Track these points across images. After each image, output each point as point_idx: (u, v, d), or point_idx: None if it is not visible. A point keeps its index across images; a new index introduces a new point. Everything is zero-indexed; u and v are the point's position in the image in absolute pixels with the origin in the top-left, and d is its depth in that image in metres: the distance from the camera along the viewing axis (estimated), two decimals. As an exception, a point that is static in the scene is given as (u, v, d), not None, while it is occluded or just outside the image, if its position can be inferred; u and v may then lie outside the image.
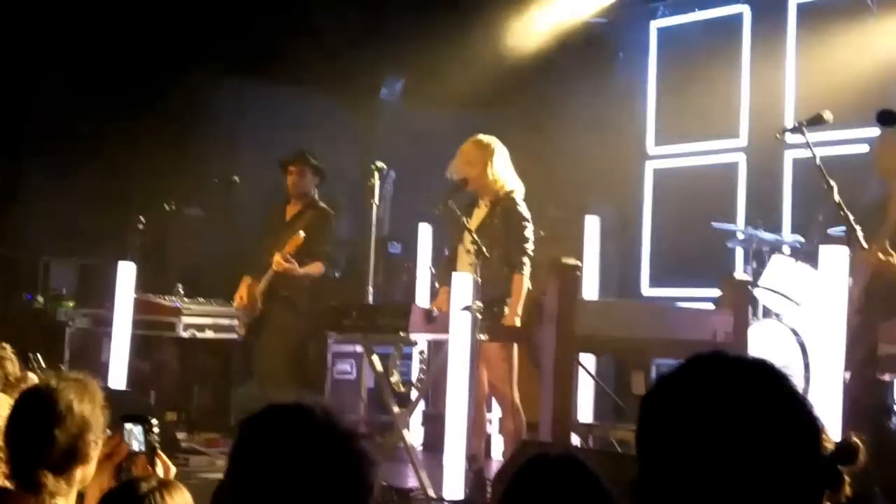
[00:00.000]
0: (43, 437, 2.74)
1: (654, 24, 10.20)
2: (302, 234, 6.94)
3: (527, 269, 6.09)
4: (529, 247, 6.16)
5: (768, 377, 1.56)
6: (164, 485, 2.46)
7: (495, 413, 7.05)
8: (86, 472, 2.81)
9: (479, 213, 6.26)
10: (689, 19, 9.95)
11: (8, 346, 3.72)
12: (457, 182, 6.22)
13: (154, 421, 2.77)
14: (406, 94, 10.90)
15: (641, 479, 1.56)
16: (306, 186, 7.32)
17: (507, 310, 6.06)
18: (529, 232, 6.19)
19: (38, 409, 2.77)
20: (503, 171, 6.25)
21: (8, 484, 2.82)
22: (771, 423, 1.51)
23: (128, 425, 2.75)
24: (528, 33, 9.81)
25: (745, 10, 9.55)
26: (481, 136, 6.32)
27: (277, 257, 6.95)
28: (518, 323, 5.99)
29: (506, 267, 6.08)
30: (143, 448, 2.74)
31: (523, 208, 6.21)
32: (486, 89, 9.96)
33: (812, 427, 1.53)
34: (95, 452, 2.82)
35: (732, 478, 1.48)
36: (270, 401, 1.91)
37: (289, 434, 1.83)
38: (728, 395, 1.52)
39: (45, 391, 2.81)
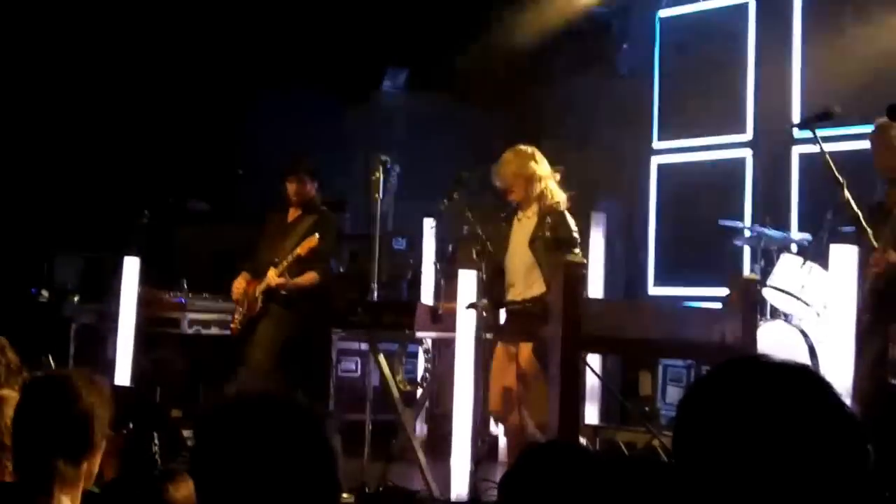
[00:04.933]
0: (53, 421, 2.73)
1: (659, 15, 10.13)
2: (317, 235, 6.90)
3: None
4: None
5: (815, 386, 1.53)
6: (170, 475, 2.44)
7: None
8: (92, 465, 2.81)
9: (526, 225, 6.20)
10: (695, 9, 9.87)
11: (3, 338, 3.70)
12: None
13: (154, 434, 2.76)
14: (409, 86, 10.84)
15: (678, 478, 1.54)
16: (307, 193, 7.29)
17: None
18: (578, 241, 6.20)
19: (47, 397, 2.78)
20: (546, 181, 6.21)
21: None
22: (818, 433, 1.48)
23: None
24: (532, 24, 9.74)
25: (751, 1, 9.47)
26: (521, 146, 6.28)
27: (272, 272, 6.96)
28: None
29: None
30: (143, 460, 2.73)
31: (571, 220, 6.20)
32: (489, 82, 9.91)
33: (860, 440, 1.51)
34: (101, 445, 2.82)
35: (773, 485, 1.46)
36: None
37: (238, 425, 1.82)
38: (773, 401, 1.50)
39: (54, 380, 2.83)
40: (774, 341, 6.69)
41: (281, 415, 1.81)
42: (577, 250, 6.15)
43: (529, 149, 6.26)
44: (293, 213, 7.34)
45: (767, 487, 1.46)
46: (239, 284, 7.25)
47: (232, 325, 7.38)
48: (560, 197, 6.23)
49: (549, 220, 6.15)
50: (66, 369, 2.89)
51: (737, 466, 1.47)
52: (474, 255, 6.09)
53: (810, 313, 6.76)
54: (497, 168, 6.23)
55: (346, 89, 10.63)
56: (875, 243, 5.40)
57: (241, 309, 7.25)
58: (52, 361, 3.69)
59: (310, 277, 7.05)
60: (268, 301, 7.12)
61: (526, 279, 6.07)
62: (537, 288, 5.97)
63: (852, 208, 5.34)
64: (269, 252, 7.19)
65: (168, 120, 9.59)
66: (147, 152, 9.40)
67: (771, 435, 1.47)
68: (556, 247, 6.08)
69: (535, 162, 6.21)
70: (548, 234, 6.12)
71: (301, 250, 6.92)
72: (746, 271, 8.11)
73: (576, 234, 6.19)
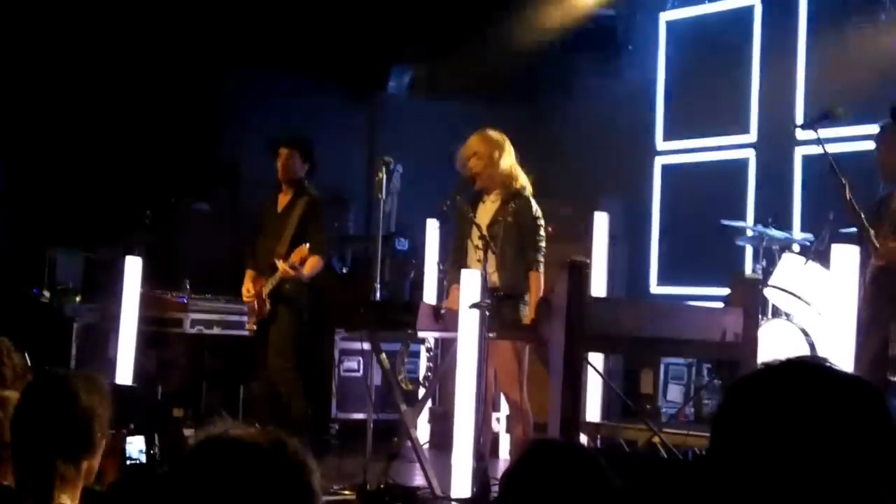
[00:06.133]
0: (53, 421, 2.74)
1: (664, 17, 10.15)
2: (307, 246, 6.93)
3: (542, 267, 6.14)
4: (543, 245, 6.21)
5: (869, 397, 1.51)
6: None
7: (502, 411, 7.03)
8: (92, 464, 2.81)
9: (489, 208, 6.24)
10: (699, 12, 9.89)
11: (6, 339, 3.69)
12: (465, 177, 6.20)
13: (155, 435, 2.77)
14: (414, 87, 10.85)
15: (711, 464, 1.54)
16: (296, 171, 7.24)
17: (523, 308, 6.06)
18: (543, 230, 6.23)
19: (47, 395, 2.78)
20: (512, 166, 6.24)
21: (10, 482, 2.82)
22: (868, 443, 1.48)
23: (129, 438, 2.75)
24: (536, 26, 9.76)
25: (757, 3, 9.49)
26: (489, 131, 6.30)
27: (284, 266, 6.96)
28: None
29: (522, 264, 6.09)
30: (142, 460, 2.74)
31: (536, 206, 6.21)
32: (494, 82, 9.92)
33: None
34: (101, 445, 2.82)
35: (804, 485, 1.46)
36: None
37: (225, 469, 1.80)
38: (822, 403, 1.49)
39: (54, 380, 2.83)
40: (775, 340, 6.71)
41: (263, 460, 1.80)
42: (543, 234, 6.18)
43: (496, 134, 6.29)
44: (283, 199, 7.30)
45: (807, 493, 1.46)
46: (248, 287, 7.24)
47: (248, 327, 7.38)
48: (524, 182, 6.26)
49: (512, 205, 6.18)
50: (65, 369, 2.88)
51: (781, 466, 1.46)
52: (477, 258, 6.10)
53: (811, 312, 6.77)
54: (462, 151, 6.25)
55: (351, 89, 10.65)
56: (876, 244, 5.41)
57: (253, 310, 7.27)
58: (27, 357, 3.66)
59: (314, 262, 7.05)
60: (275, 302, 7.14)
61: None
62: (499, 278, 5.98)
63: (854, 209, 5.36)
64: (266, 247, 7.20)
65: (170, 119, 9.59)
66: (149, 152, 9.39)
67: (823, 443, 1.46)
68: (518, 232, 6.12)
69: (501, 147, 6.24)
70: (509, 219, 6.14)
71: (295, 258, 6.94)
72: (748, 271, 8.12)
73: (540, 220, 6.21)
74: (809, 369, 1.54)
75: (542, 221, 6.22)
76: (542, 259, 6.16)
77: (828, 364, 1.55)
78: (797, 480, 1.46)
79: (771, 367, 1.56)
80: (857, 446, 1.47)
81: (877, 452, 1.47)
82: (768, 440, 1.48)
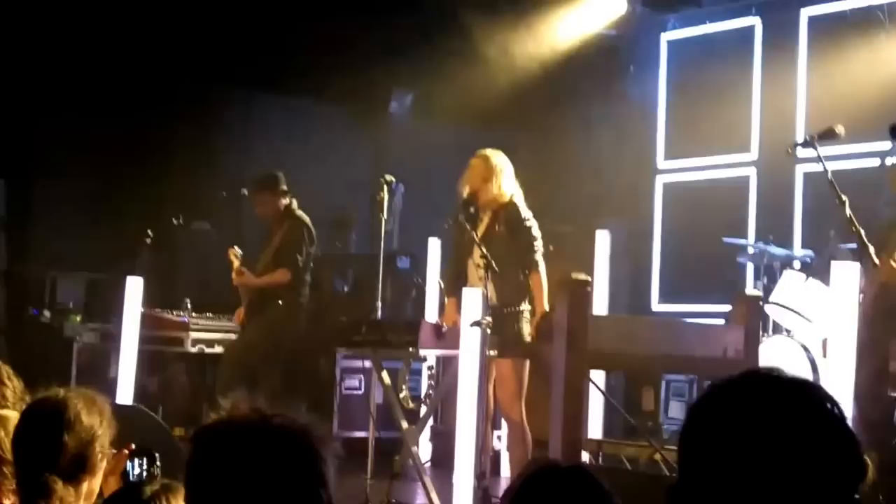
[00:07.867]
0: (52, 442, 2.73)
1: (665, 37, 10.17)
2: (234, 248, 7.40)
3: (542, 266, 6.12)
4: (539, 245, 6.21)
5: (821, 402, 1.55)
6: (168, 488, 2.45)
7: (503, 429, 7.02)
8: (92, 485, 2.80)
9: (482, 225, 6.26)
10: (700, 32, 9.92)
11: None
12: (466, 197, 6.22)
13: (156, 455, 2.79)
14: (415, 108, 10.88)
15: (681, 484, 1.57)
16: (271, 209, 7.67)
17: (523, 321, 6.06)
18: (536, 230, 6.22)
19: (47, 416, 2.78)
20: (510, 185, 6.26)
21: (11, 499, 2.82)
22: (818, 448, 1.51)
23: (130, 459, 2.78)
24: (538, 47, 9.79)
25: (757, 23, 9.52)
26: (490, 151, 6.32)
27: (233, 273, 7.36)
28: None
29: (521, 274, 6.09)
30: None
31: (525, 209, 6.22)
32: (495, 103, 9.94)
33: (857, 457, 1.53)
34: (102, 465, 2.82)
35: (770, 495, 1.49)
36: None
37: (237, 443, 1.83)
38: (778, 414, 1.52)
39: (54, 400, 2.81)
40: (776, 356, 6.71)
41: (272, 438, 1.82)
42: (535, 234, 6.19)
43: (501, 158, 6.31)
44: (275, 228, 7.73)
45: (762, 496, 1.49)
46: (239, 312, 7.51)
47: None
48: (514, 191, 6.27)
49: (501, 213, 6.20)
50: (65, 389, 2.89)
51: (739, 478, 1.50)
52: (479, 276, 6.10)
53: (812, 329, 6.78)
54: (471, 174, 6.26)
55: (353, 111, 10.67)
56: (876, 260, 5.41)
57: None
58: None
59: (281, 274, 7.45)
60: (253, 320, 7.48)
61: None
62: (496, 294, 5.99)
63: (854, 226, 5.36)
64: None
65: (172, 138, 9.61)
66: (150, 171, 9.41)
67: (771, 449, 1.49)
68: (510, 238, 6.12)
69: (508, 172, 6.27)
70: (500, 227, 6.16)
71: (235, 263, 7.34)
72: (749, 288, 8.12)
73: (529, 221, 6.20)
74: (758, 381, 1.58)
75: (531, 222, 6.20)
76: (539, 259, 6.14)
77: (776, 373, 1.58)
78: (759, 491, 1.49)
79: (722, 384, 1.60)
80: (808, 449, 1.50)
81: (826, 452, 1.51)
82: (725, 455, 1.52)
